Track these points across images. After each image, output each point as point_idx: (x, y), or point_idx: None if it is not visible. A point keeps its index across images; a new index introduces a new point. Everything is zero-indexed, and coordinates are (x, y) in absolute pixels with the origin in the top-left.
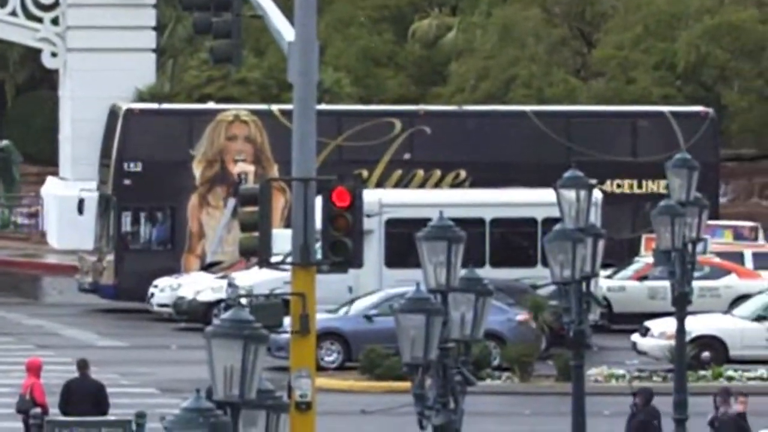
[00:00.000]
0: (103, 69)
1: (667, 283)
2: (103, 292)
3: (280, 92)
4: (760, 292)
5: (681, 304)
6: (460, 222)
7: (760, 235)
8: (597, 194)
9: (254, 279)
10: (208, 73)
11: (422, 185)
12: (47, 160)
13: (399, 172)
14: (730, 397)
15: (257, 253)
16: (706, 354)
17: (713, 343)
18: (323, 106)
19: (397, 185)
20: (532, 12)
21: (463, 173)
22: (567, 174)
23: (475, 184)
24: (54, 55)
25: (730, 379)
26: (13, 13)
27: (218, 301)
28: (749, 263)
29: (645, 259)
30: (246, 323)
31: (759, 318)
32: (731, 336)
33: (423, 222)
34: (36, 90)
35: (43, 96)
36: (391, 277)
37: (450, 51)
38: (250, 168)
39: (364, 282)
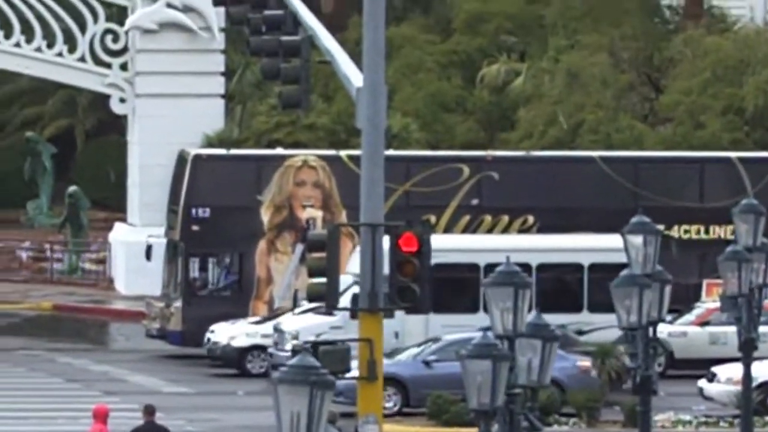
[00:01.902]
0: (172, 114)
1: (728, 329)
2: (170, 339)
3: (349, 137)
4: None
5: (748, 350)
6: None
7: None
8: None
9: (300, 324)
10: (276, 118)
11: (490, 231)
12: (115, 206)
13: (467, 217)
14: None
15: (325, 298)
16: None
17: None
18: (391, 152)
19: (464, 231)
20: (599, 58)
21: (530, 219)
22: (634, 219)
23: (542, 229)
24: (123, 100)
25: None
26: (82, 59)
27: (252, 347)
28: None
29: (706, 304)
30: (313, 369)
31: None
32: None
33: (470, 267)
34: (105, 135)
35: (111, 142)
36: (438, 323)
37: (518, 96)
38: (319, 213)
39: (410, 327)
